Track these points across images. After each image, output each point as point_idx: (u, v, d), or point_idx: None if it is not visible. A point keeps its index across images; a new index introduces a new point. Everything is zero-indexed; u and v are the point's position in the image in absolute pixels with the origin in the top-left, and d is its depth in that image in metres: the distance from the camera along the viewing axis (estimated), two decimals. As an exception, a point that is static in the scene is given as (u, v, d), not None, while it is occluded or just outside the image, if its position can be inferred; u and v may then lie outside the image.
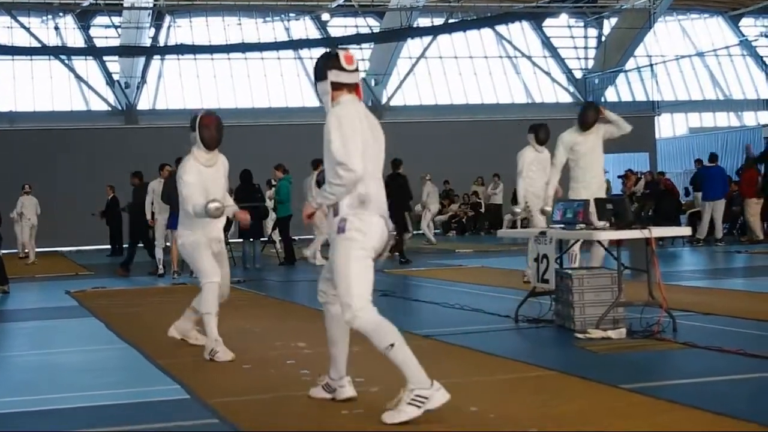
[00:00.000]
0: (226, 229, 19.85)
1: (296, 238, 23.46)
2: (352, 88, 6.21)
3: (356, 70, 6.24)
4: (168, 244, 18.60)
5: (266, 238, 22.08)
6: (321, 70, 6.22)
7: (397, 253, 19.57)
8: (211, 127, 8.64)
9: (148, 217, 19.09)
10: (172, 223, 17.60)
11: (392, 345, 5.81)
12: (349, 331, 6.29)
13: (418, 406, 5.74)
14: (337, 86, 6.16)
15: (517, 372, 7.39)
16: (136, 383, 7.58)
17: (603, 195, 11.73)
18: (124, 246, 26.95)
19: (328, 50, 6.40)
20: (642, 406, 6.10)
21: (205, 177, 8.59)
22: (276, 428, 5.96)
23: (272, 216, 22.03)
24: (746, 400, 6.26)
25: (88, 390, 7.37)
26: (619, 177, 27.99)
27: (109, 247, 25.36)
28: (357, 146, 5.94)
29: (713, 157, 22.94)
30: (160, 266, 18.29)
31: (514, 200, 17.53)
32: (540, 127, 13.28)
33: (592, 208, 9.65)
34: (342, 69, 6.17)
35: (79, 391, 7.36)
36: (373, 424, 5.88)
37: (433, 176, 27.39)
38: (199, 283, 8.65)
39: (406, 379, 5.80)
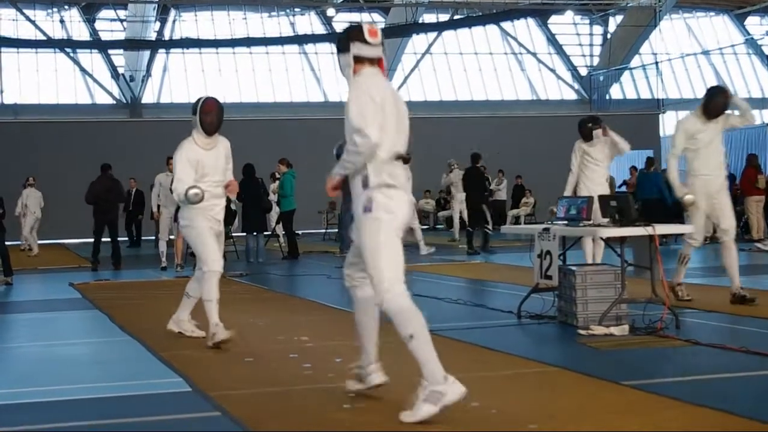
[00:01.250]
0: (230, 222, 19.84)
1: (300, 232, 23.48)
2: (375, 62, 6.06)
3: (381, 43, 6.08)
4: (172, 237, 18.62)
5: (270, 232, 22.08)
6: (343, 42, 6.09)
7: (477, 247, 20.44)
8: (212, 113, 8.81)
9: (154, 209, 19.15)
10: None
11: (411, 336, 5.66)
12: (378, 318, 6.20)
13: (434, 404, 5.61)
14: (359, 59, 6.02)
15: (519, 368, 7.39)
16: (139, 376, 7.58)
17: (726, 192, 10.98)
18: (144, 238, 27.08)
19: (353, 24, 6.31)
20: (644, 402, 6.10)
21: (202, 159, 8.77)
22: (278, 421, 5.96)
23: (275, 210, 22.05)
24: (749, 398, 6.25)
25: (90, 382, 7.39)
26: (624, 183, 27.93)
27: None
28: (375, 116, 5.78)
29: None
30: (164, 259, 18.31)
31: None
32: (583, 120, 12.43)
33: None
34: (365, 42, 6.02)
35: (82, 383, 7.37)
36: (373, 418, 5.89)
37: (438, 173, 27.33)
38: (199, 269, 8.93)
39: (421, 372, 5.69)
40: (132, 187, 26.56)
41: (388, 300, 5.74)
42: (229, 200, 9.54)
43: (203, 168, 8.77)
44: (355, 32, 6.07)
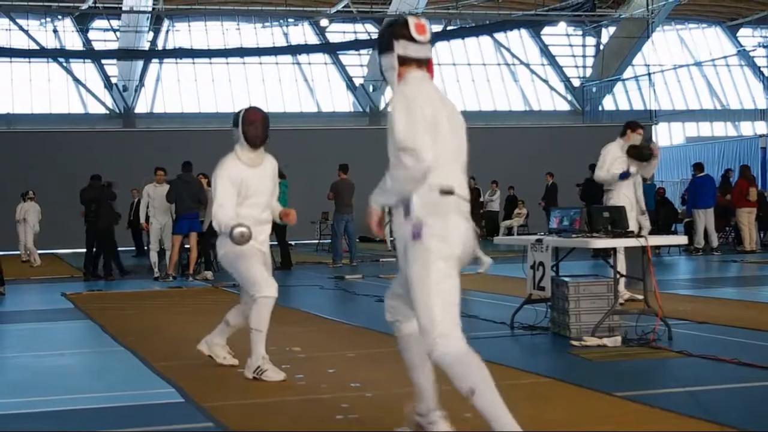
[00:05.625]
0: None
1: (292, 242, 23.46)
2: (423, 63, 5.19)
3: (429, 41, 5.19)
4: (164, 247, 18.62)
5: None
6: (386, 41, 5.14)
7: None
8: (257, 124, 7.73)
9: (142, 220, 19.10)
10: (180, 228, 17.63)
11: (473, 390, 4.75)
12: None
13: None
14: (404, 61, 5.11)
15: (512, 379, 7.38)
16: (131, 386, 7.56)
17: None
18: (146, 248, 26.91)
19: (395, 18, 5.33)
20: (636, 414, 6.10)
21: (246, 178, 7.67)
22: (270, 432, 5.96)
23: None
24: (741, 410, 6.26)
25: (83, 392, 7.37)
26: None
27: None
28: (427, 130, 4.88)
29: (700, 167, 22.94)
30: (156, 269, 18.30)
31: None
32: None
33: None
34: (412, 40, 5.10)
35: (74, 393, 7.36)
36: (368, 429, 5.88)
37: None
38: (237, 291, 7.89)
39: (489, 426, 4.82)
40: (134, 197, 26.42)
41: (441, 348, 4.82)
42: None
43: (247, 188, 7.64)
44: (399, 28, 5.13)
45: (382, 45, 5.19)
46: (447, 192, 4.95)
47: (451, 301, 4.90)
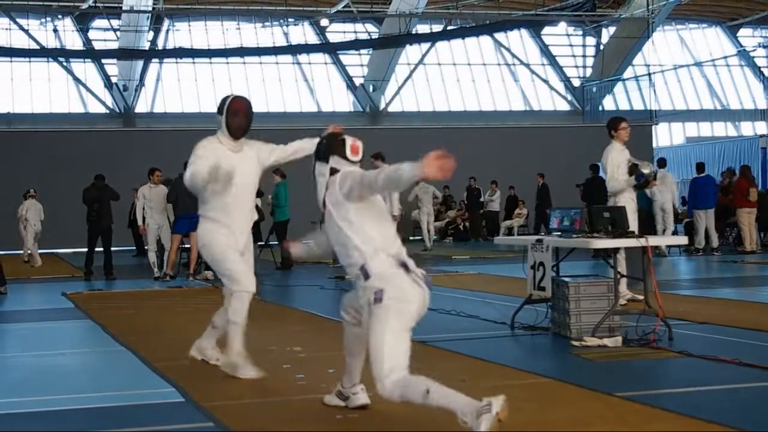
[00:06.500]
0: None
1: (292, 243, 23.42)
2: None
3: (360, 161, 6.00)
4: (165, 247, 18.62)
5: (263, 243, 22.05)
6: (323, 152, 6.02)
7: None
8: (239, 115, 7.70)
9: (140, 222, 19.05)
10: (179, 227, 17.66)
11: (428, 390, 5.26)
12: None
13: (488, 411, 5.14)
14: (335, 172, 5.93)
15: (512, 379, 7.39)
16: (132, 386, 7.57)
17: None
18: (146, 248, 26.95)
19: (335, 133, 6.13)
20: (637, 414, 6.11)
21: (226, 159, 7.54)
22: (271, 432, 5.96)
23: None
24: (741, 410, 6.26)
25: (82, 392, 7.37)
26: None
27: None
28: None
29: (701, 167, 22.97)
30: (156, 269, 18.30)
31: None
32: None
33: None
34: (345, 158, 5.96)
35: (75, 393, 7.36)
36: (367, 428, 5.88)
37: (430, 183, 27.30)
38: (222, 285, 7.89)
39: (456, 413, 5.20)
40: (134, 197, 26.43)
41: (388, 386, 5.39)
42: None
43: (227, 169, 7.43)
44: (337, 146, 5.99)
45: (319, 154, 6.06)
46: (395, 257, 5.69)
47: (400, 353, 5.45)
